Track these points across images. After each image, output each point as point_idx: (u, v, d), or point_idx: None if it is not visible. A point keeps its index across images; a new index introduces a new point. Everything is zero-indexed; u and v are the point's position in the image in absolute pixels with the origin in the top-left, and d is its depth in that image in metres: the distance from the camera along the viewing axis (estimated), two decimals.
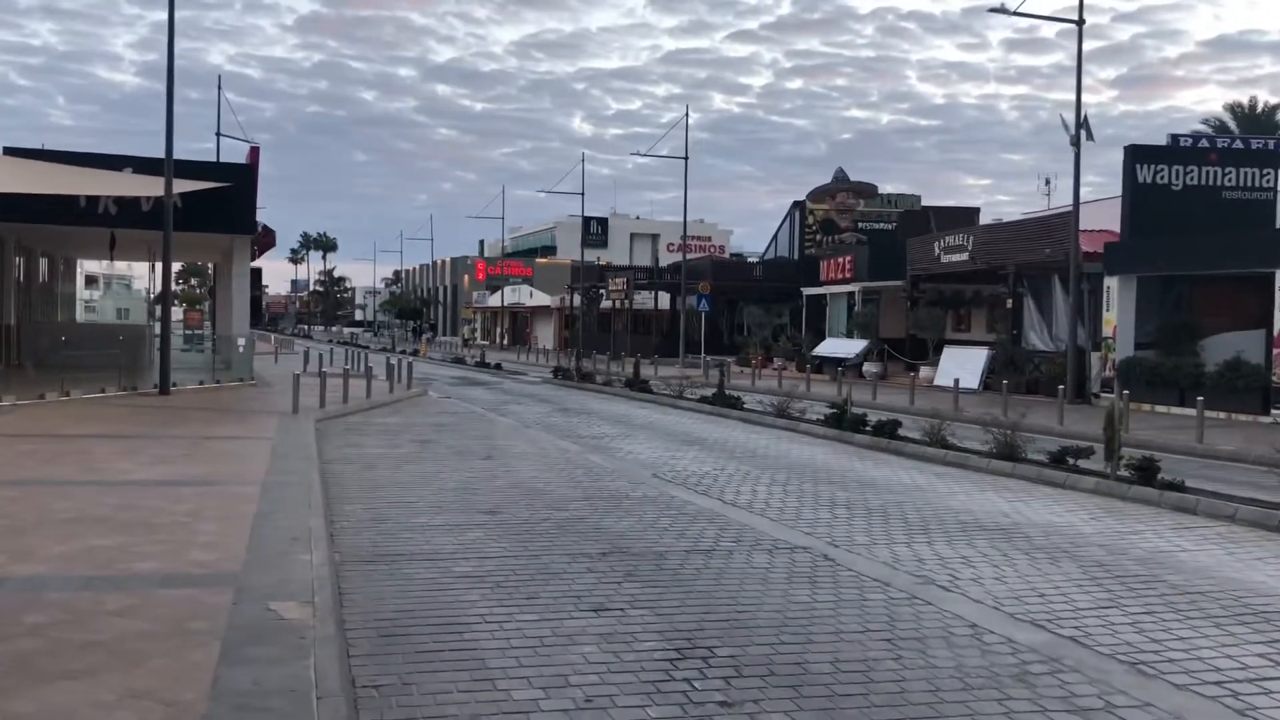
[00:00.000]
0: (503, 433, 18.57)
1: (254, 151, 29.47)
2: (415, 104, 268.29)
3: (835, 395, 27.35)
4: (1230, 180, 25.74)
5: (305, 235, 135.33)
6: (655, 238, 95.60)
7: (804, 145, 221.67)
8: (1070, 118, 25.65)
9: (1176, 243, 24.46)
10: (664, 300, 57.38)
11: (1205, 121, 55.15)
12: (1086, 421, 19.95)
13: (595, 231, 73.67)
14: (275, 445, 14.66)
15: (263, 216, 29.22)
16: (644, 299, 58.15)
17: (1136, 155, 25.84)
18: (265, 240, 28.95)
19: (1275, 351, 21.61)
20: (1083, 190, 24.81)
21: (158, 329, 53.81)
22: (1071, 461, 13.28)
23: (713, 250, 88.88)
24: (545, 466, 14.10)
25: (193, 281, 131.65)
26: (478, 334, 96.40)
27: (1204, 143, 27.65)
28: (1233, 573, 8.52)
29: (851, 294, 40.64)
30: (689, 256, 71.58)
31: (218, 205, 24.81)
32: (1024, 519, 10.70)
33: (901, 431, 16.95)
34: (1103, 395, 25.75)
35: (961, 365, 30.22)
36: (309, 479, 11.68)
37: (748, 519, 10.50)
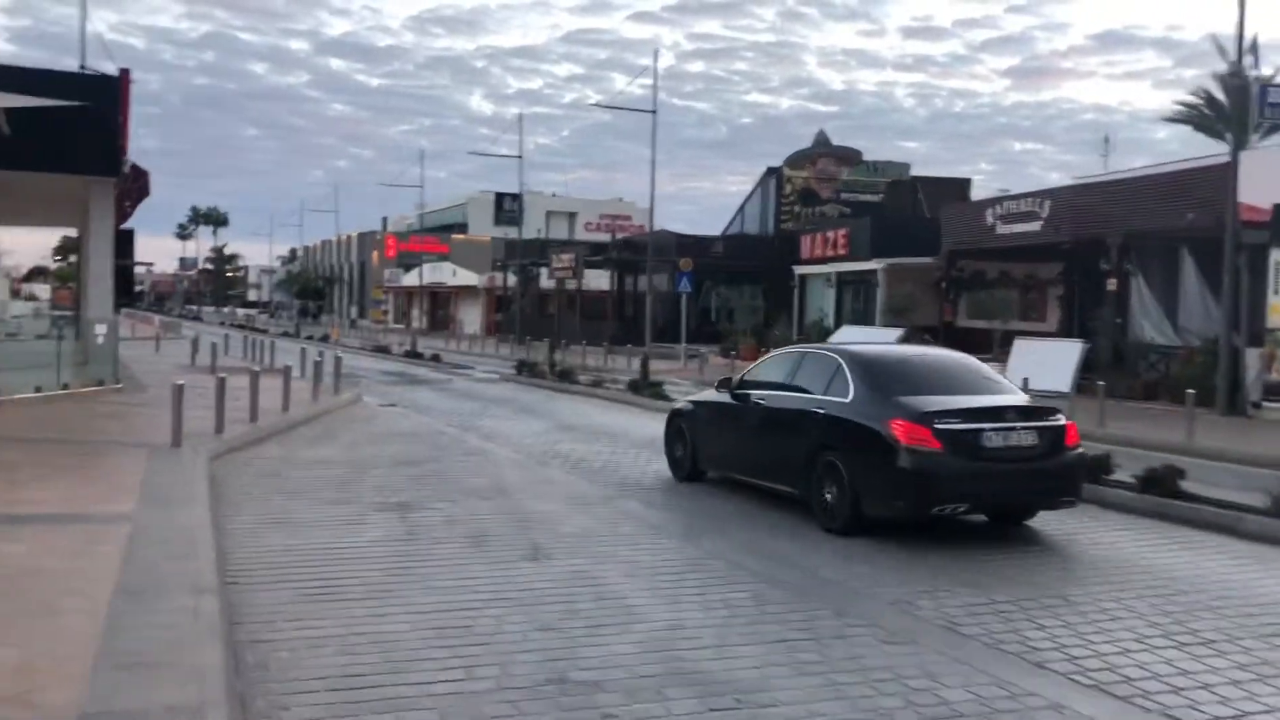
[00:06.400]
0: (516, 478, 11.49)
1: (125, 74, 21.59)
2: (309, 78, 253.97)
3: None
4: None
5: (194, 210, 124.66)
6: (573, 216, 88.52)
7: (705, 129, 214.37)
8: (1229, 45, 19.45)
9: None
10: (604, 281, 50.15)
11: (1193, 93, 50.22)
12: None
13: (511, 208, 66.76)
14: (135, 542, 7.41)
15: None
16: (592, 279, 50.87)
17: None
18: (136, 187, 21.09)
19: None
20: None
21: (16, 310, 44.41)
22: None
23: (632, 230, 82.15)
24: (678, 587, 7.12)
25: (71, 258, 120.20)
26: (389, 316, 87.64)
27: None
28: None
29: (864, 273, 34.10)
30: (620, 235, 64.32)
31: (67, 136, 17.28)
32: None
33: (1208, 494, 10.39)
34: (1265, 405, 19.67)
35: (1043, 362, 23.82)
36: (203, 672, 4.53)
37: None
